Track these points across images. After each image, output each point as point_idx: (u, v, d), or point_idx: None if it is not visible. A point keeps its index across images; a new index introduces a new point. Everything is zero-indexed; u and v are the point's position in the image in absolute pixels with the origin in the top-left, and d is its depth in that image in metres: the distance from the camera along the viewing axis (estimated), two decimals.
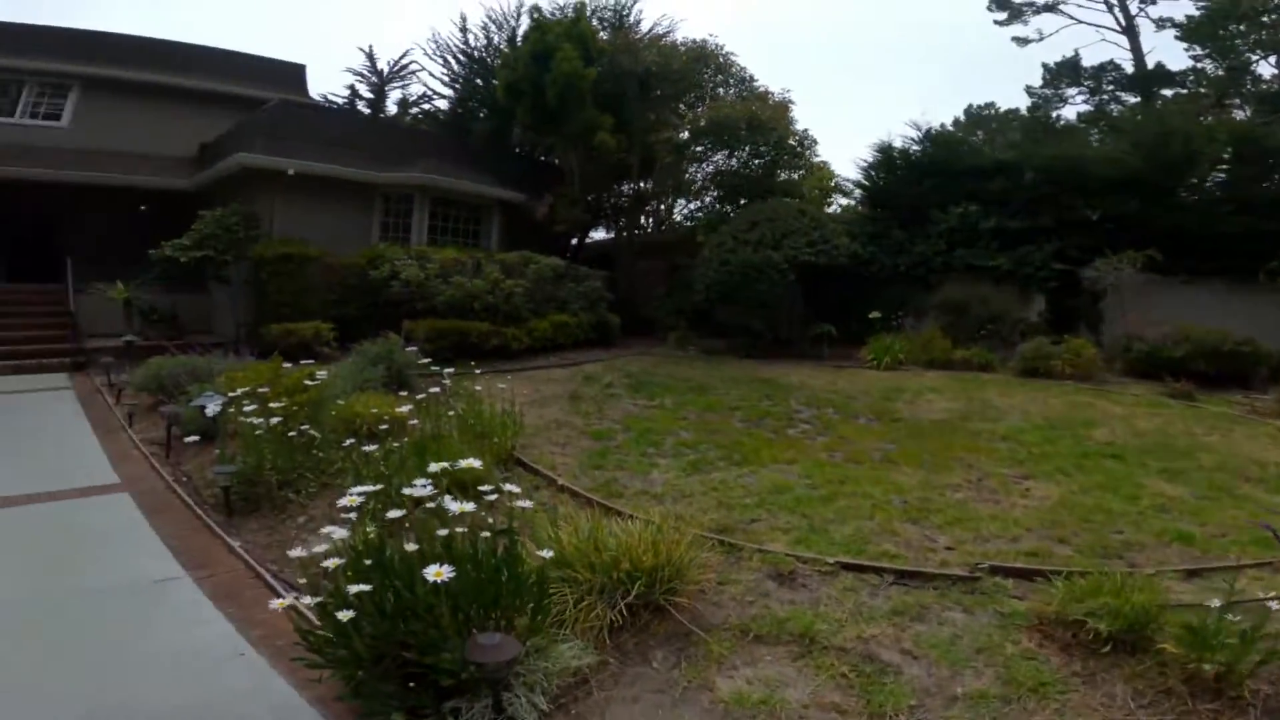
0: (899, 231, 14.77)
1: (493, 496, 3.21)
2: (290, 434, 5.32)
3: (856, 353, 12.72)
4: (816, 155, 18.77)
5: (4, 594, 3.75)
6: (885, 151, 16.11)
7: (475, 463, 3.45)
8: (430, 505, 2.93)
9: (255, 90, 17.82)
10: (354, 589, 2.64)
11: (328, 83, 34.75)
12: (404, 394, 7.23)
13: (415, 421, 5.40)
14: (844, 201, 20.43)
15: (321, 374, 6.29)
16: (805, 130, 17.74)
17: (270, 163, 12.85)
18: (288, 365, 6.52)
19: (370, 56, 24.30)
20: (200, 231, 11.74)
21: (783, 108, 17.29)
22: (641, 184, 18.89)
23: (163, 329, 12.87)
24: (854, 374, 11.44)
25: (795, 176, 18.51)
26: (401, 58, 24.36)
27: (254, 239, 12.43)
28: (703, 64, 17.62)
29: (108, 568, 4.15)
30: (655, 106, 17.04)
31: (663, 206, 20.81)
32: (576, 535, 3.56)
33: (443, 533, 2.85)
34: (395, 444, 4.92)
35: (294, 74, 19.97)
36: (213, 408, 5.89)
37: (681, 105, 18.06)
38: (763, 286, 13.03)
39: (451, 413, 5.84)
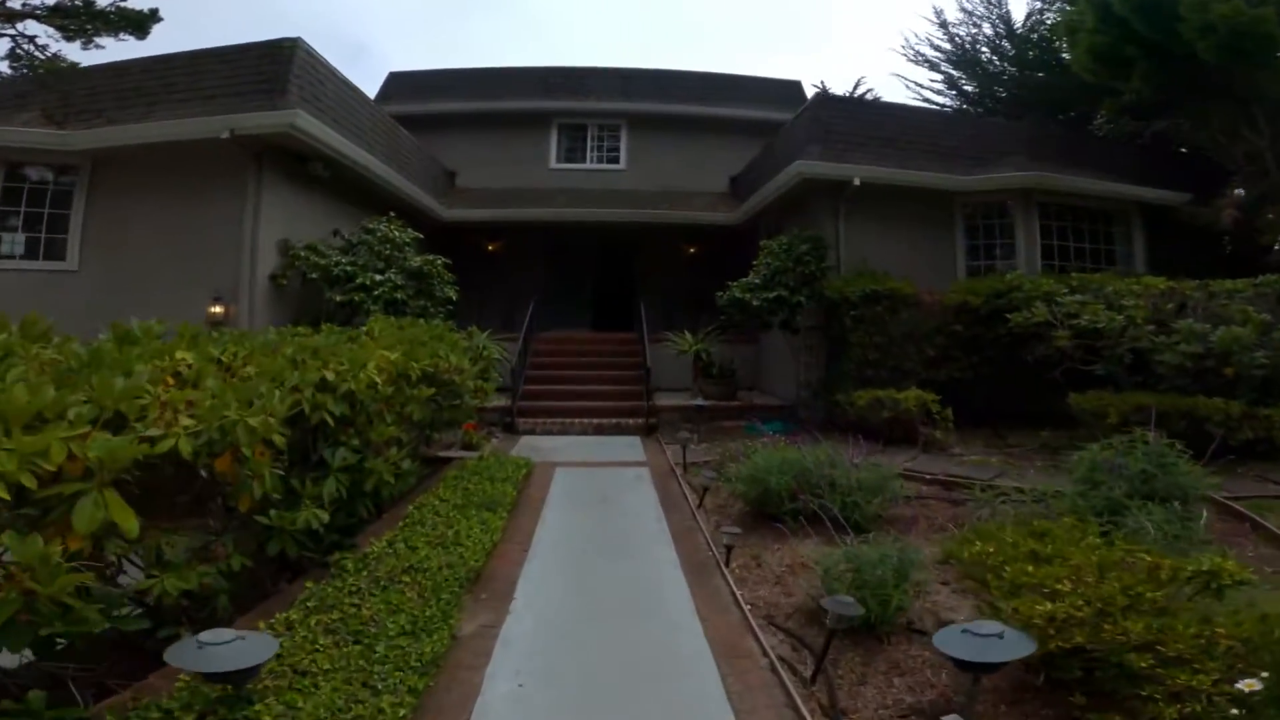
0: None
1: None
2: None
3: None
4: None
5: None
6: None
7: None
8: None
9: (764, 112, 16.17)
10: None
11: None
12: None
13: None
14: None
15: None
16: None
17: (833, 171, 10.01)
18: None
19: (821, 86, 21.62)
20: (769, 266, 9.41)
21: None
22: None
23: (720, 386, 11.10)
24: None
25: None
26: (856, 85, 22.37)
27: (822, 273, 9.66)
28: None
29: None
30: None
31: None
32: None
33: None
34: None
35: (794, 91, 17.70)
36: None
37: None
38: None
39: None
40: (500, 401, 10.28)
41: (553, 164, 16.19)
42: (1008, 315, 8.25)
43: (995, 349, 8.77)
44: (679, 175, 15.81)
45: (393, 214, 9.46)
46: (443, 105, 16.27)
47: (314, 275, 8.22)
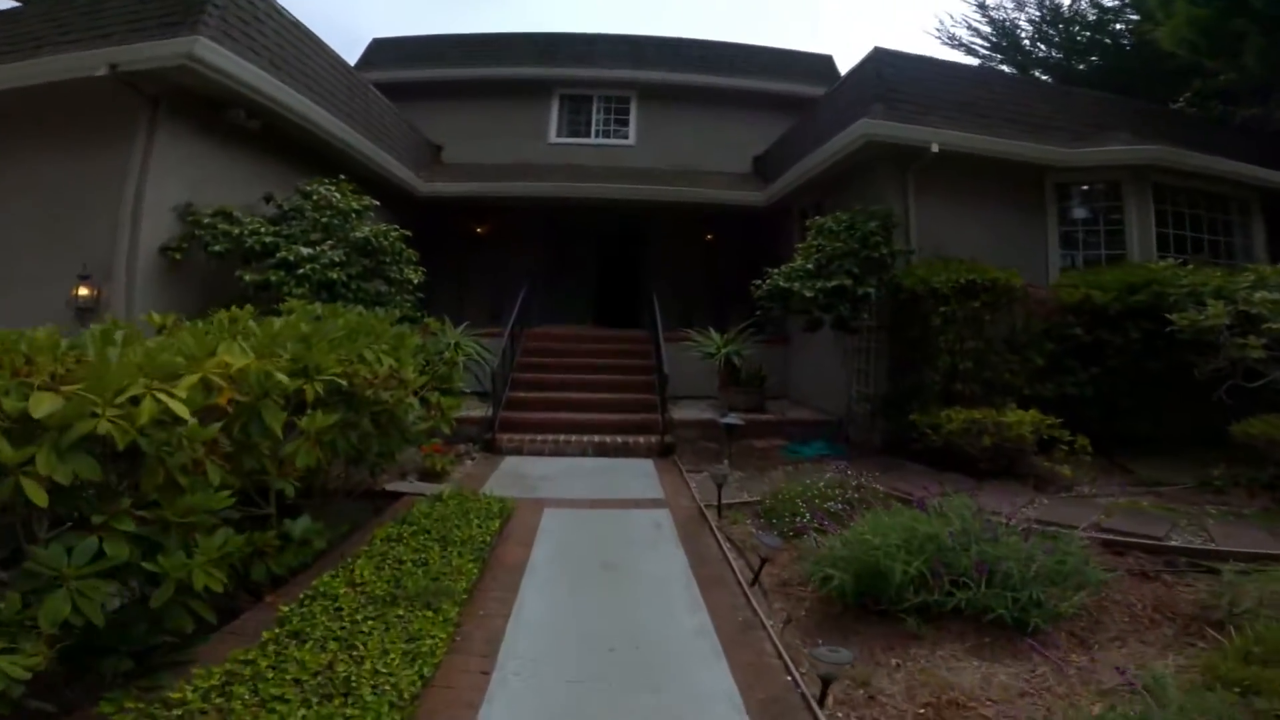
0: None
1: None
2: None
3: None
4: None
5: None
6: None
7: None
8: None
9: (791, 86, 14.25)
10: None
11: None
12: None
13: None
14: None
15: None
16: None
17: (906, 135, 7.92)
18: None
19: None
20: (823, 249, 7.36)
21: None
22: None
23: (748, 396, 9.06)
24: None
25: None
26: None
27: (893, 258, 7.60)
28: None
29: None
30: None
31: None
32: None
33: None
34: None
35: (825, 66, 15.67)
36: None
37: None
38: None
39: None
40: (479, 411, 8.24)
41: (552, 138, 14.15)
42: (1167, 315, 6.20)
43: (1121, 358, 6.73)
44: (695, 153, 13.83)
45: (344, 178, 7.39)
46: (429, 72, 14.26)
47: (219, 248, 6.15)
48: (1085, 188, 8.88)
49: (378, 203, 7.45)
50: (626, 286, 13.88)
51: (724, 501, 5.76)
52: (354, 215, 6.77)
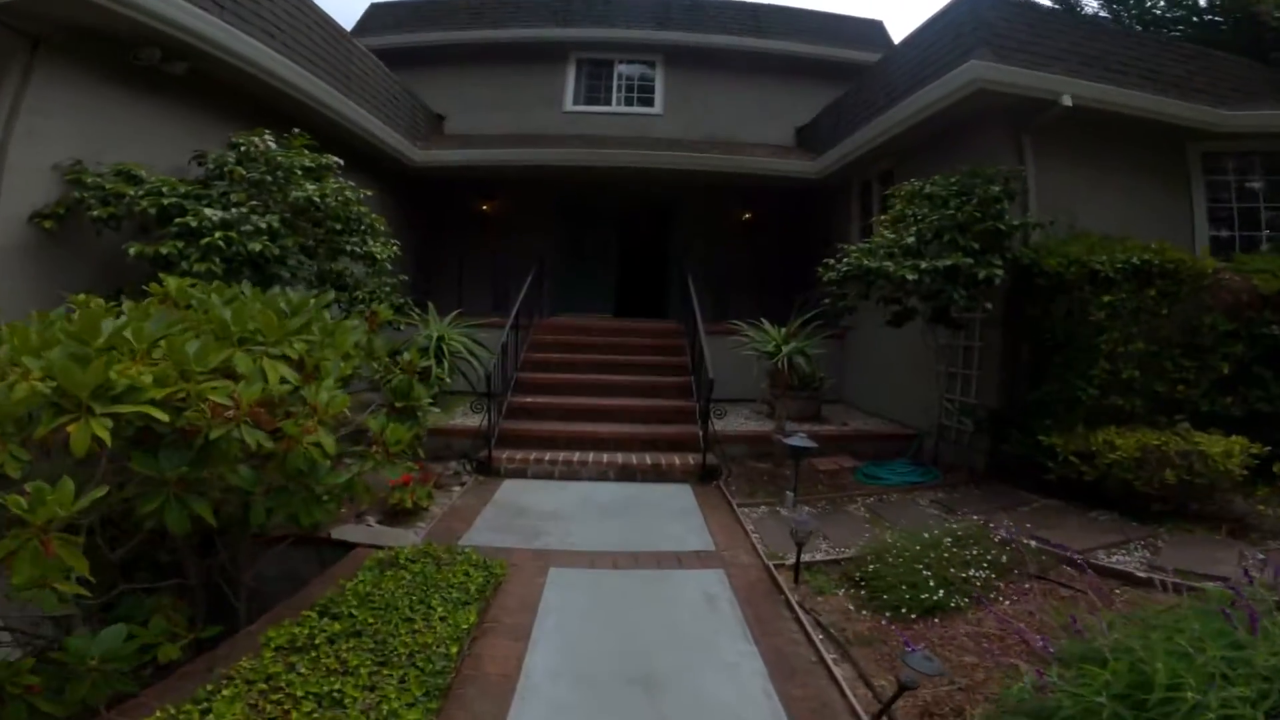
0: None
1: None
2: None
3: None
4: None
5: None
6: None
7: None
8: None
9: (838, 51, 12.47)
10: None
11: None
12: None
13: None
14: None
15: None
16: None
17: (1029, 82, 6.08)
18: None
19: None
20: (929, 220, 5.58)
21: None
22: None
23: (802, 403, 7.36)
24: None
25: None
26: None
27: (1005, 233, 5.81)
28: None
29: None
30: None
31: None
32: None
33: None
34: None
35: (875, 32, 13.79)
36: None
37: None
38: None
39: None
40: (474, 419, 6.61)
41: (568, 106, 12.47)
42: None
43: None
44: (730, 124, 12.11)
45: (299, 131, 5.72)
46: (430, 35, 12.61)
47: (99, 214, 4.47)
48: (1241, 156, 7.08)
49: (340, 161, 5.79)
50: (652, 273, 12.23)
51: (803, 559, 4.08)
52: (299, 174, 5.10)
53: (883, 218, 6.25)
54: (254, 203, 4.75)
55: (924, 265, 5.16)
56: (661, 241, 12.44)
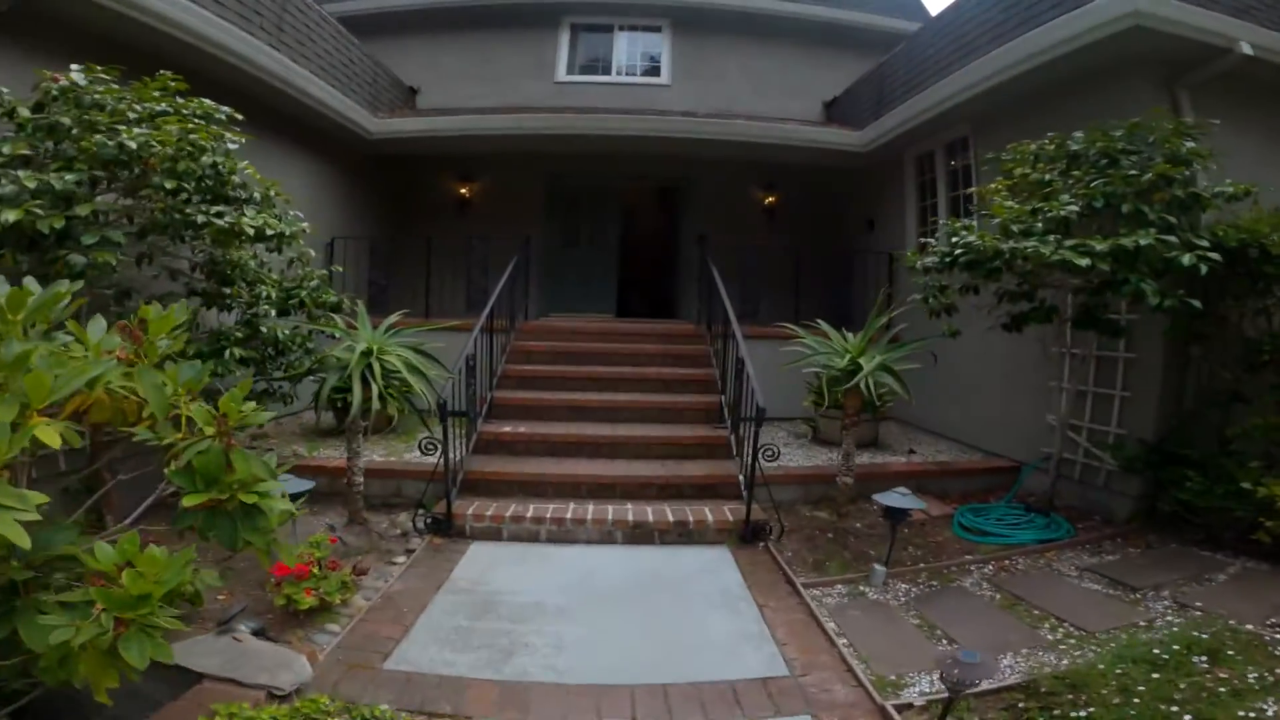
0: None
1: None
2: None
3: None
4: None
5: None
6: None
7: None
8: None
9: (868, 17, 10.86)
10: None
11: None
12: None
13: None
14: None
15: None
16: None
17: (1203, 25, 4.40)
18: None
19: None
20: (1094, 187, 3.85)
21: None
22: None
23: (864, 423, 5.66)
24: None
25: None
26: None
27: (1199, 204, 4.06)
28: None
29: None
30: None
31: None
32: None
33: None
34: None
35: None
36: None
37: None
38: None
39: None
40: (431, 455, 4.87)
41: (561, 75, 10.78)
42: None
43: None
44: (746, 96, 10.43)
45: (168, 73, 3.94)
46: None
47: None
48: None
49: (241, 116, 4.08)
50: (659, 265, 10.55)
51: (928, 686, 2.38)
52: (130, 121, 3.34)
53: (992, 186, 4.54)
54: (28, 153, 3.04)
55: (1100, 247, 3.43)
56: (671, 229, 10.77)
